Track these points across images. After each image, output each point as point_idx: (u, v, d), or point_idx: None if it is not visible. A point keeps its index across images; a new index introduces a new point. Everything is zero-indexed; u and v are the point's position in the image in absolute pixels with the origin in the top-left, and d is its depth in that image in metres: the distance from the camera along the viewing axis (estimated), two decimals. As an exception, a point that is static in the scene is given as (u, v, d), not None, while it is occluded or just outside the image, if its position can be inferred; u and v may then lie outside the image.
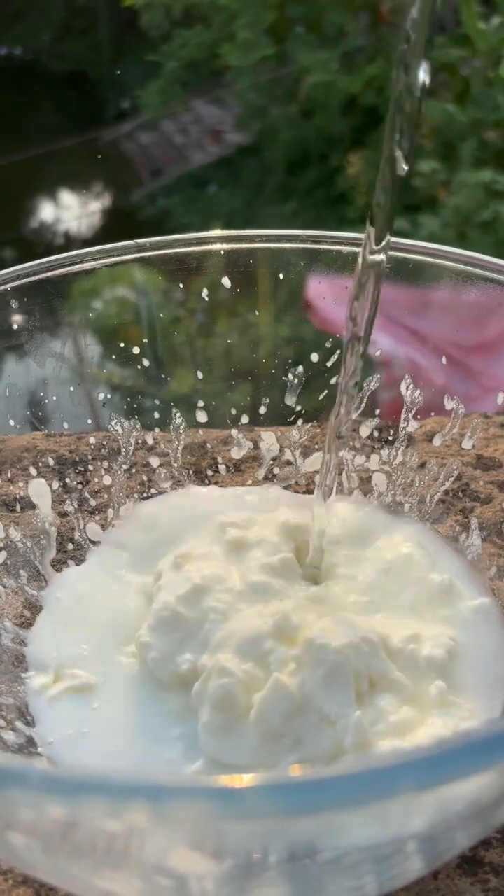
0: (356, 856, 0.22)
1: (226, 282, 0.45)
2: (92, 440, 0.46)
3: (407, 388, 0.43)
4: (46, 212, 3.39)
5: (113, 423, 0.46)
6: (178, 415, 0.46)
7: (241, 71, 2.61)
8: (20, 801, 0.18)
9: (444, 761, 0.18)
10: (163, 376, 0.46)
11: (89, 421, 0.46)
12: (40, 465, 0.45)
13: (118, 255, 0.44)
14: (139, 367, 0.46)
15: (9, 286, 0.41)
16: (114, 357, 0.46)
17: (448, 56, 2.29)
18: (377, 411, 0.45)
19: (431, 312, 0.46)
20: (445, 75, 2.34)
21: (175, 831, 0.18)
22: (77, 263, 0.43)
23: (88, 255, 0.43)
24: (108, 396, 0.46)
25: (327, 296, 0.46)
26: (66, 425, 0.45)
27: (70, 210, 3.38)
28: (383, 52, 2.39)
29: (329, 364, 0.45)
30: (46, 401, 0.45)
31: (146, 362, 0.46)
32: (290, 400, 0.46)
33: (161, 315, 0.47)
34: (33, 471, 0.44)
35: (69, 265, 0.42)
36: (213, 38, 2.64)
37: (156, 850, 0.20)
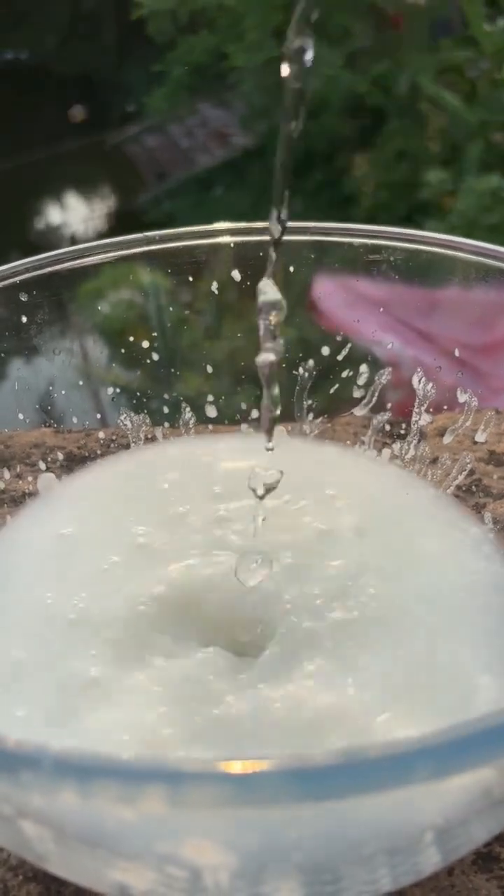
0: (372, 846, 0.21)
1: (235, 275, 0.45)
2: (101, 435, 0.46)
3: (419, 382, 0.43)
4: (52, 215, 3.40)
5: (122, 418, 0.46)
6: (188, 410, 0.46)
7: (246, 72, 2.61)
8: (32, 787, 0.17)
9: (462, 748, 0.18)
10: (172, 370, 0.46)
11: (98, 416, 0.46)
12: (49, 460, 0.44)
13: (127, 248, 0.43)
14: (148, 361, 0.46)
15: (18, 279, 0.41)
16: (123, 351, 0.46)
17: (454, 57, 2.29)
18: (388, 405, 0.44)
19: (439, 312, 0.46)
20: (451, 76, 2.34)
21: (191, 819, 0.18)
22: (86, 256, 0.43)
23: (98, 247, 0.43)
24: (118, 391, 0.46)
25: (333, 296, 0.46)
26: (74, 420, 0.45)
27: (75, 213, 3.39)
28: (389, 52, 2.39)
29: (340, 358, 0.45)
30: (55, 395, 0.45)
31: (155, 357, 0.46)
32: (301, 394, 0.46)
33: (170, 309, 0.46)
34: (42, 465, 0.44)
35: (78, 258, 0.42)
36: (218, 42, 2.65)
37: (170, 838, 0.19)
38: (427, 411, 0.44)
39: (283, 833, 0.20)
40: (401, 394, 0.45)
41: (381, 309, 0.46)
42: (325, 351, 0.45)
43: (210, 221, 0.45)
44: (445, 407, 0.43)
